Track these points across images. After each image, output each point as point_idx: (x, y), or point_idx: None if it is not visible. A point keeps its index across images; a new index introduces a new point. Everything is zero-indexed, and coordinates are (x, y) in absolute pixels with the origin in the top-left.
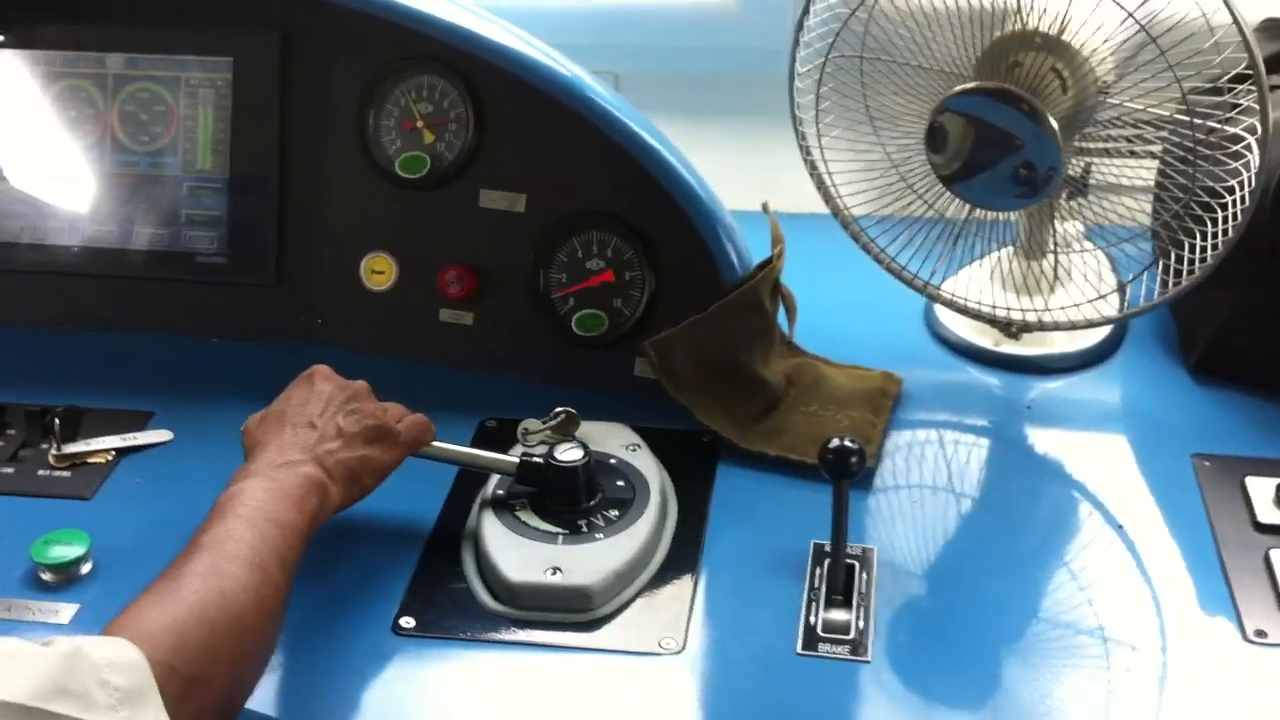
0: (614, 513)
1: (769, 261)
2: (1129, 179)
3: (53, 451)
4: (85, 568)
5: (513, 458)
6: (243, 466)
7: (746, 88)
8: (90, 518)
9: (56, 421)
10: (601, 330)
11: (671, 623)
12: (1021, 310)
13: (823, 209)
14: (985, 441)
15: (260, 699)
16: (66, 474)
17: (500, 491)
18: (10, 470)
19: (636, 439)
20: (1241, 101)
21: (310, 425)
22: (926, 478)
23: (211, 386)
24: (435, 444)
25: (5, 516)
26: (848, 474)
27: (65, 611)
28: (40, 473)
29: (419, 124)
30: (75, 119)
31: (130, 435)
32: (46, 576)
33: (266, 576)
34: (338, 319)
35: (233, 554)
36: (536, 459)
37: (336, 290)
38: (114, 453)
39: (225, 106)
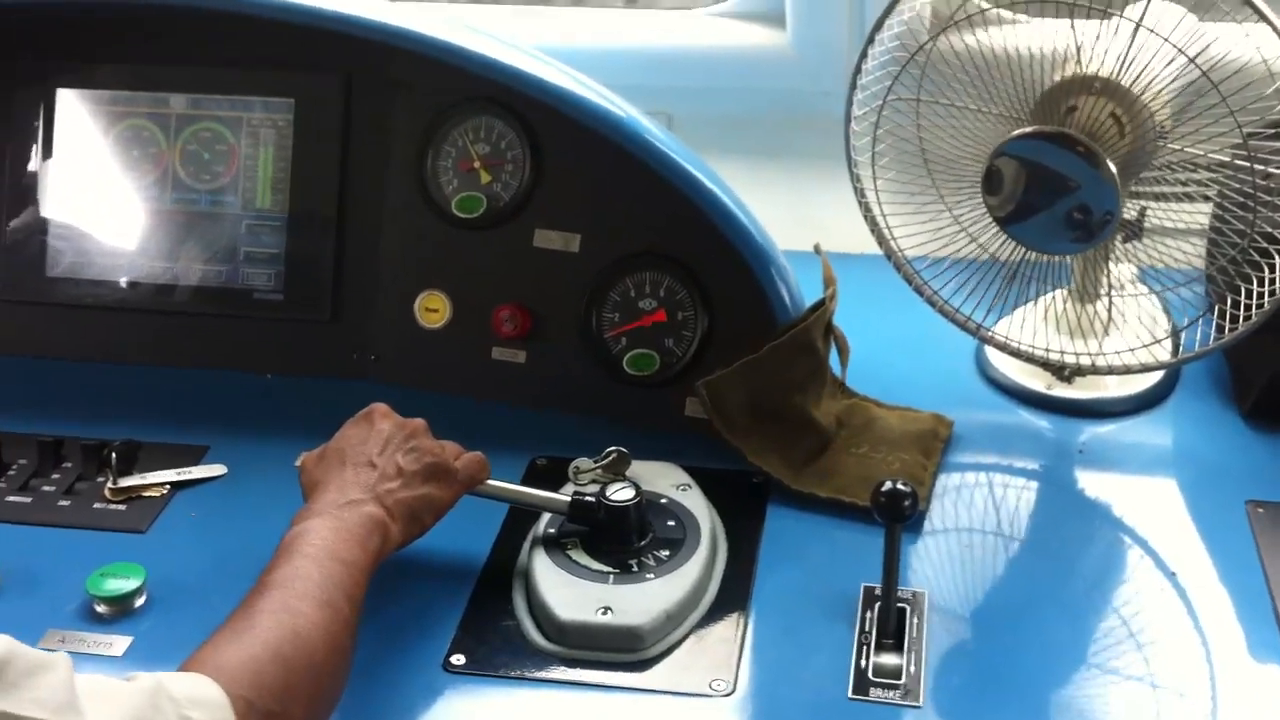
0: (665, 553)
1: (822, 303)
2: (1185, 223)
3: (109, 485)
4: (139, 601)
5: (564, 496)
6: (305, 506)
7: (799, 129)
8: (145, 551)
9: (113, 455)
10: (653, 370)
11: (722, 664)
12: (1075, 353)
13: (874, 250)
14: (1036, 485)
15: None
16: (122, 507)
17: (551, 530)
18: (66, 503)
19: (687, 479)
20: None
21: (370, 464)
22: (977, 521)
23: (266, 422)
24: (489, 482)
25: (61, 549)
26: (900, 517)
27: (119, 644)
28: (96, 506)
29: (476, 164)
30: (137, 158)
31: (185, 469)
32: (101, 609)
33: (336, 614)
34: (392, 356)
35: (302, 592)
36: (588, 498)
37: (391, 327)
38: (169, 487)
39: (286, 146)
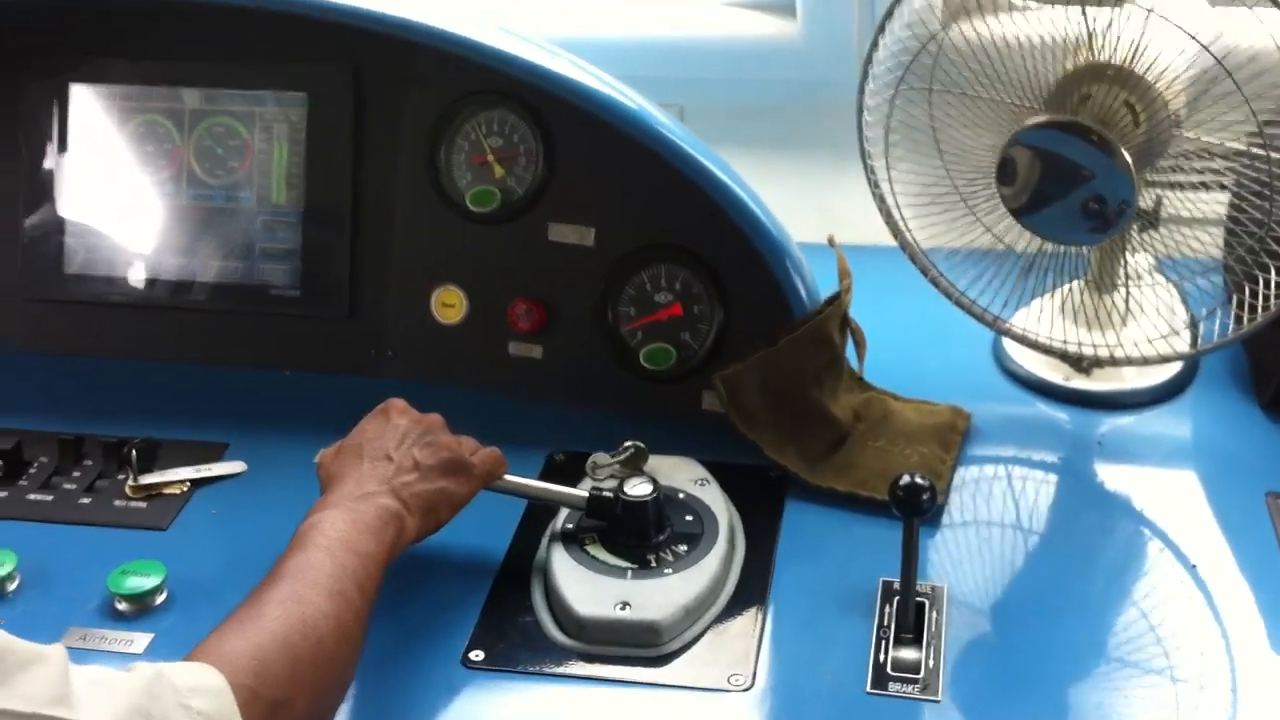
0: (683, 548)
1: (837, 295)
2: (1202, 212)
3: (129, 482)
4: (160, 598)
5: (582, 492)
6: (321, 498)
7: (812, 120)
8: (165, 548)
9: (133, 453)
10: (670, 364)
11: (740, 659)
12: (1092, 345)
13: (889, 242)
14: (1055, 477)
15: None
16: (143, 505)
17: (569, 525)
18: (87, 501)
19: (705, 473)
20: None
21: (387, 458)
22: (995, 514)
23: (284, 418)
24: (506, 477)
25: (82, 546)
26: (919, 511)
27: (140, 641)
28: (117, 503)
29: (489, 158)
30: (152, 154)
31: (205, 466)
32: (122, 606)
33: (347, 604)
34: (408, 351)
35: (313, 582)
36: (606, 493)
37: (407, 323)
38: (189, 484)
39: (300, 141)
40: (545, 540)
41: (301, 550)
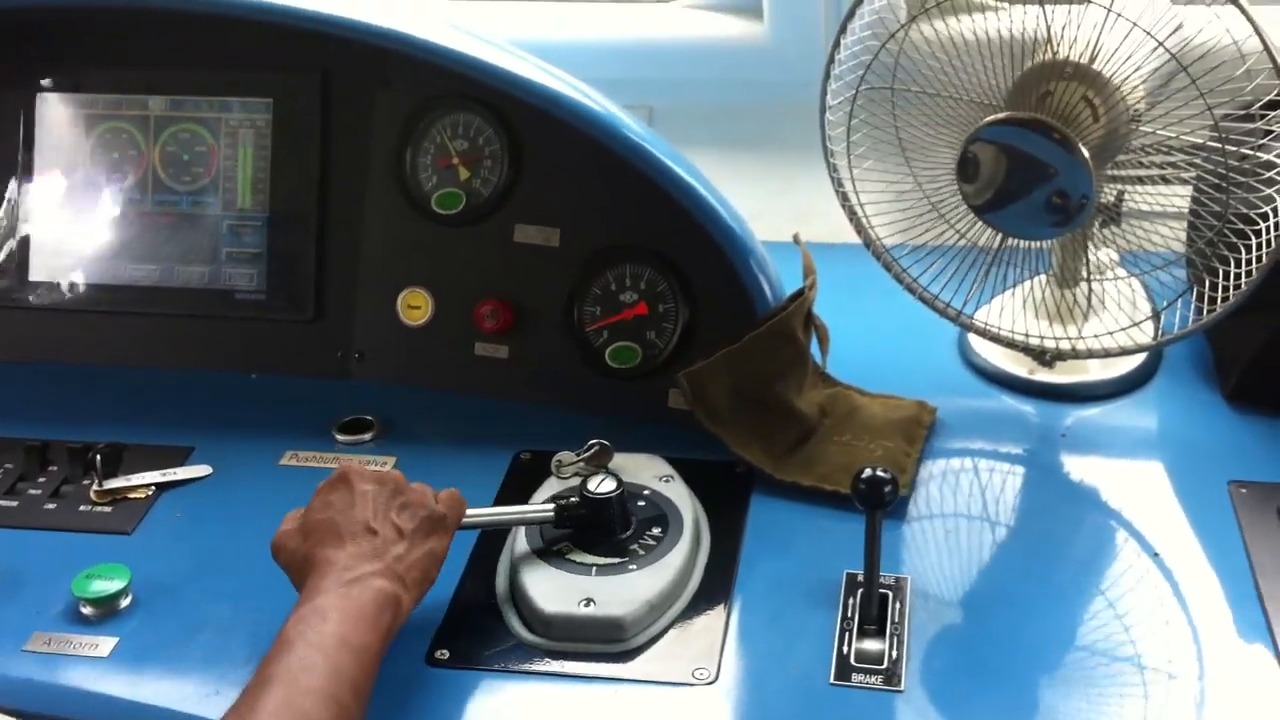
0: (648, 544)
1: (801, 292)
2: (1162, 206)
3: (94, 487)
4: (125, 601)
5: (547, 507)
6: (308, 587)
7: (778, 120)
8: (131, 553)
9: (98, 458)
10: (635, 362)
11: (705, 653)
12: (1055, 338)
13: (855, 239)
14: (1020, 470)
15: None
16: (108, 509)
17: (539, 543)
18: (52, 506)
19: (670, 470)
20: (1274, 128)
21: (369, 531)
22: (961, 506)
23: (251, 422)
24: (471, 513)
25: (48, 551)
26: (880, 503)
27: (105, 645)
28: (82, 508)
29: (455, 161)
30: (118, 160)
31: (170, 470)
32: (87, 610)
33: (343, 711)
34: (375, 353)
35: (306, 687)
36: (571, 499)
37: (374, 325)
38: (154, 488)
39: (265, 146)
40: (510, 539)
41: (290, 650)
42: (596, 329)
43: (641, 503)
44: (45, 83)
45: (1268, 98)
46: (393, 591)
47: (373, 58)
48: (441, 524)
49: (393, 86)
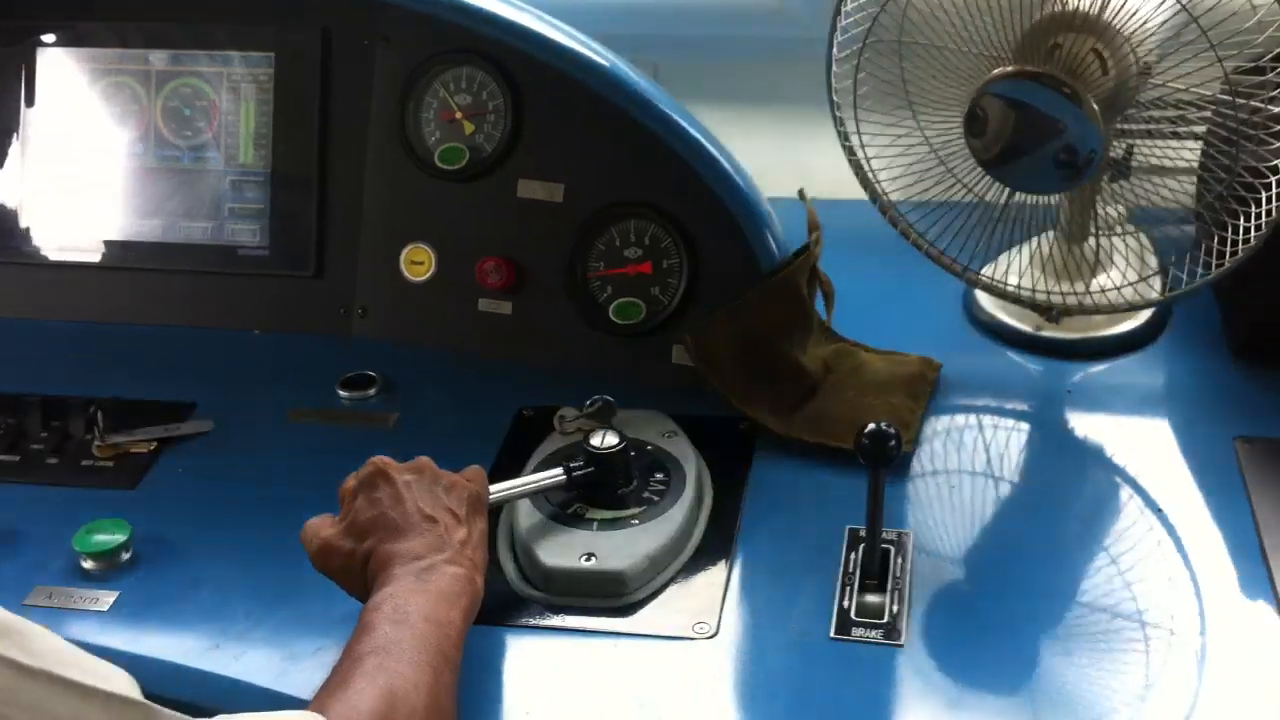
0: (650, 499)
1: (806, 248)
2: (1172, 161)
3: (96, 443)
4: (125, 555)
5: (556, 473)
6: (379, 583)
7: (784, 76)
8: (134, 508)
9: (100, 413)
10: (639, 318)
11: (706, 608)
12: (1062, 294)
13: (861, 195)
14: (1025, 426)
15: (295, 683)
16: (110, 464)
17: (556, 505)
18: (55, 461)
19: (673, 426)
20: None
21: (428, 519)
22: (965, 463)
23: (253, 378)
24: (492, 490)
25: (50, 507)
26: (884, 459)
27: (105, 599)
28: (84, 463)
29: (458, 115)
30: (120, 115)
31: (172, 426)
32: (88, 564)
33: (436, 678)
34: (378, 309)
35: (397, 658)
36: (580, 465)
37: (376, 281)
38: (156, 443)
39: (267, 101)
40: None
41: (373, 630)
42: (600, 285)
43: (644, 458)
44: (46, 38)
45: (1278, 50)
46: (466, 575)
47: (374, 11)
48: (481, 502)
49: (395, 40)
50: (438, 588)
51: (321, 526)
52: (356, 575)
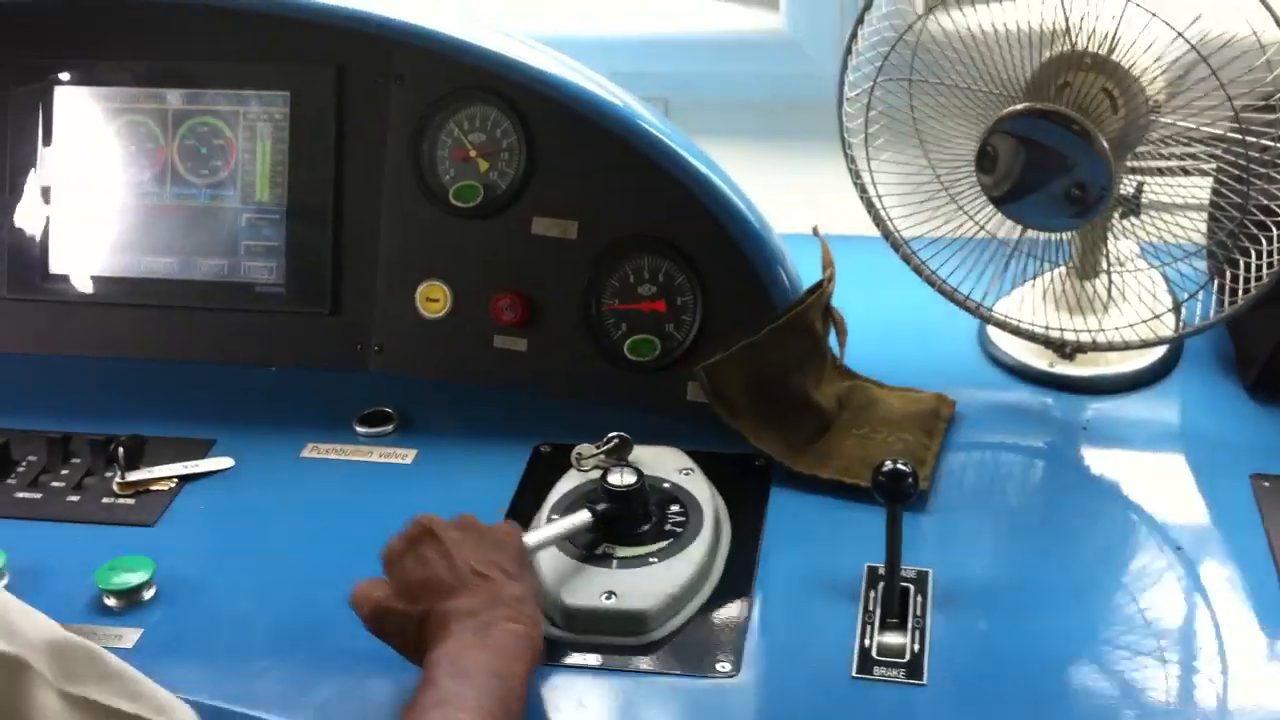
0: (668, 537)
1: (820, 285)
2: (1183, 197)
3: (117, 479)
4: (149, 593)
5: (583, 514)
6: (437, 641)
7: (796, 112)
8: (154, 544)
9: (120, 450)
10: (654, 355)
11: (726, 646)
12: (1075, 330)
13: (873, 231)
14: (1041, 463)
15: (319, 717)
16: (130, 501)
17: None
18: (76, 498)
19: (690, 463)
20: None
21: (480, 575)
22: (981, 500)
23: (272, 414)
24: (525, 539)
25: (71, 543)
26: (901, 496)
27: (129, 636)
28: (104, 500)
29: (472, 154)
30: (136, 153)
31: (192, 463)
32: (111, 602)
33: None
34: (393, 346)
35: (462, 706)
36: (603, 506)
37: (392, 317)
38: (176, 480)
39: (283, 139)
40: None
41: (435, 686)
42: (615, 321)
43: (662, 495)
44: (63, 76)
45: None
46: (525, 632)
47: (389, 50)
48: (526, 554)
49: (410, 79)
50: (499, 644)
51: (372, 590)
52: (412, 637)
